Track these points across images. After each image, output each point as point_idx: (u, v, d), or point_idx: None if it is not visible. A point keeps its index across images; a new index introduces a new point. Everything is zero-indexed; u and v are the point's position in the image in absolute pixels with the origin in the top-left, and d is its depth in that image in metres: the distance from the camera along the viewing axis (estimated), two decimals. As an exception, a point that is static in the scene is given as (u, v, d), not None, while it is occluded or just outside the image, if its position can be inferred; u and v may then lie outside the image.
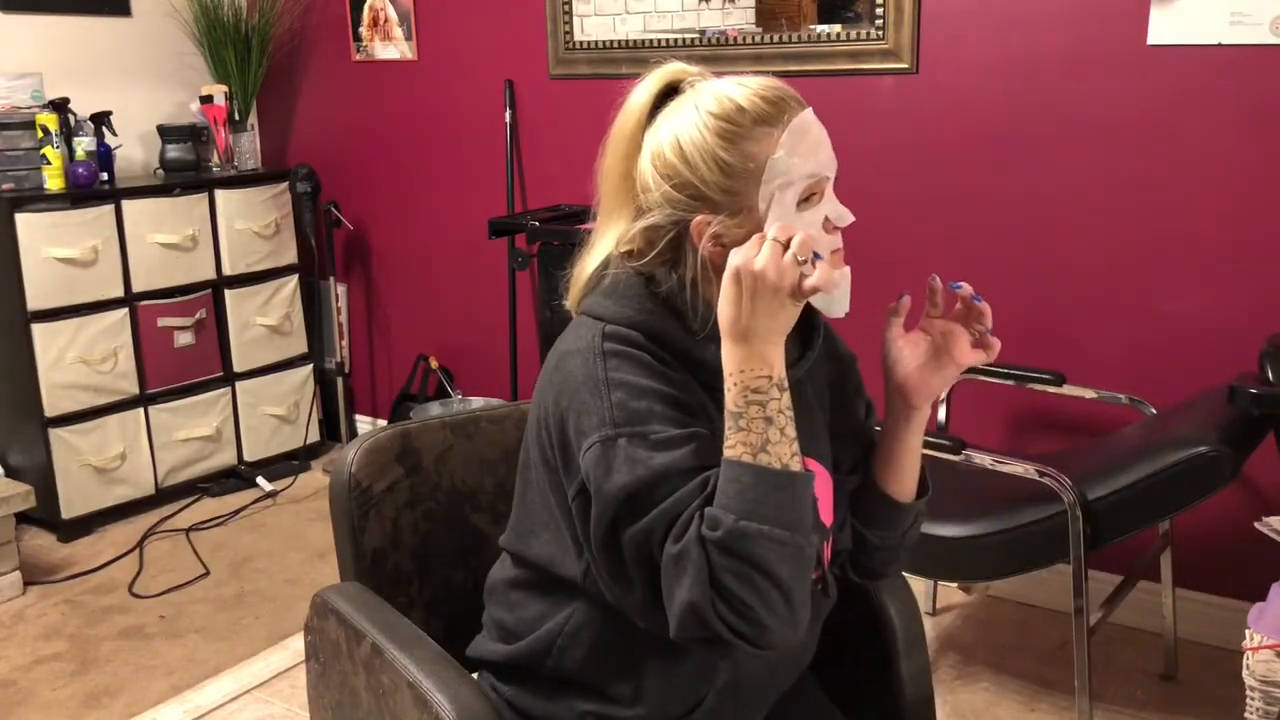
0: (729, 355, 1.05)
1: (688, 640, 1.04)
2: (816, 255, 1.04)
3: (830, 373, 1.31)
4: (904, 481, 1.26)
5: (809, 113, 1.13)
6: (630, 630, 1.14)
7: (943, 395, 1.26)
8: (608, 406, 1.06)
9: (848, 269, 1.11)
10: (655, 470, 1.04)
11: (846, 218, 1.13)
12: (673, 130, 1.12)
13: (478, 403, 3.60)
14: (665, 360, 1.11)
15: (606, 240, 1.18)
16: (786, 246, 1.03)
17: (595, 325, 1.13)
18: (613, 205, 1.18)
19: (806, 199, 1.10)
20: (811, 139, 1.11)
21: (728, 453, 1.03)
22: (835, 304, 1.14)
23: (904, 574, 1.48)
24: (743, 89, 1.12)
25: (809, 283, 1.03)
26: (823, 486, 1.21)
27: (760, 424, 1.03)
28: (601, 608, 1.17)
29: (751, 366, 1.04)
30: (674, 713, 1.19)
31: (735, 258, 1.04)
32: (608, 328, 1.12)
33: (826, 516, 1.22)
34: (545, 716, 1.24)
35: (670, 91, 1.16)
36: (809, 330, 1.24)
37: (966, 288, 1.18)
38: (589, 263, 1.20)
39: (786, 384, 1.05)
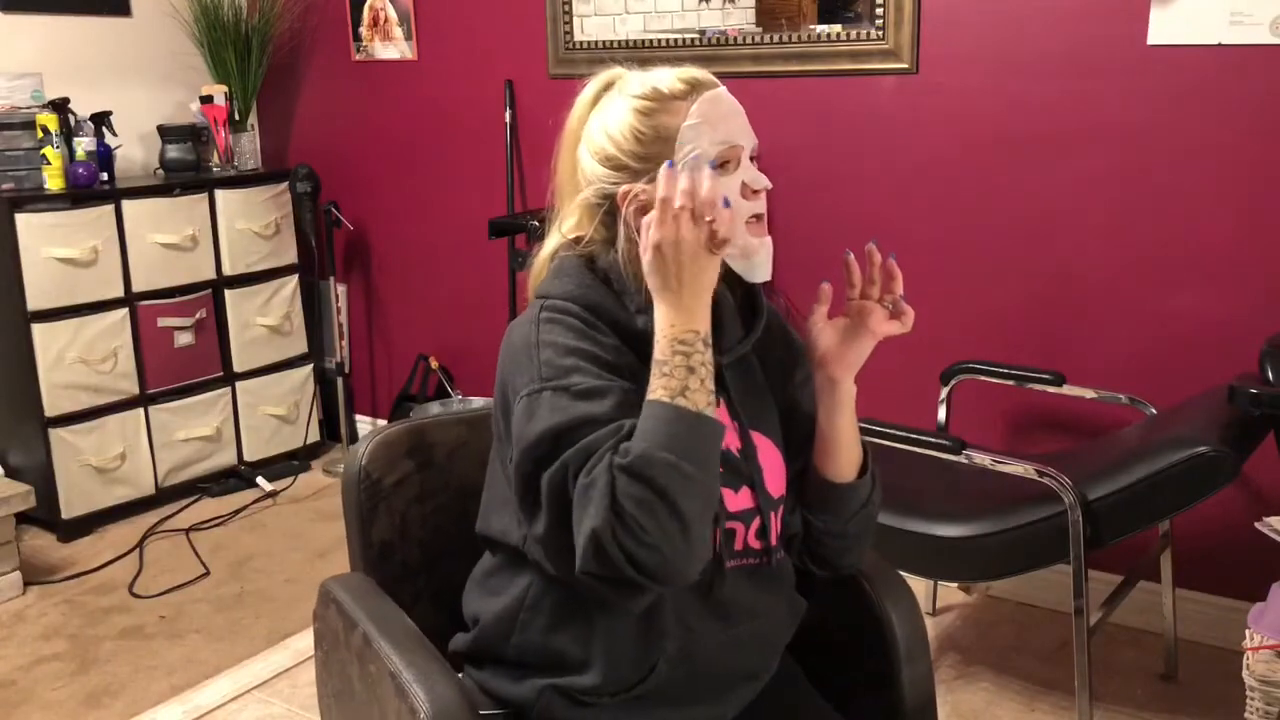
0: (660, 314, 1.13)
1: (594, 578, 1.08)
2: (727, 202, 1.13)
3: (785, 358, 1.36)
4: (839, 463, 1.30)
5: (722, 89, 1.23)
6: (580, 594, 1.18)
7: (863, 362, 1.29)
8: (537, 365, 1.15)
9: (768, 238, 1.22)
10: (574, 416, 1.10)
11: (762, 181, 1.21)
12: (602, 116, 1.24)
13: (478, 402, 3.60)
14: (600, 328, 1.19)
15: (552, 237, 1.30)
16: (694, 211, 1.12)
17: (539, 304, 1.23)
18: (564, 198, 1.29)
19: (722, 165, 1.19)
20: (722, 110, 1.21)
21: (649, 396, 1.11)
22: (755, 269, 1.22)
23: (904, 575, 1.48)
24: (664, 74, 1.23)
25: (720, 234, 1.11)
26: (769, 459, 1.28)
27: (682, 371, 1.10)
28: (552, 576, 1.21)
29: (681, 321, 1.12)
30: (627, 680, 1.22)
31: (653, 232, 1.12)
32: (548, 301, 1.21)
33: (775, 488, 1.28)
34: (511, 697, 1.28)
35: (609, 90, 1.27)
36: (753, 312, 1.31)
37: (876, 253, 1.24)
38: (543, 252, 1.30)
39: (711, 341, 1.13)
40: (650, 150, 1.19)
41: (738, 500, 1.23)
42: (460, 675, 1.34)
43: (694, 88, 1.21)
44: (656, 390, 1.10)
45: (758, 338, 1.30)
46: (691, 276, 1.12)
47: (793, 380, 1.35)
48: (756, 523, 1.24)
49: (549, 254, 1.29)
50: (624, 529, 1.04)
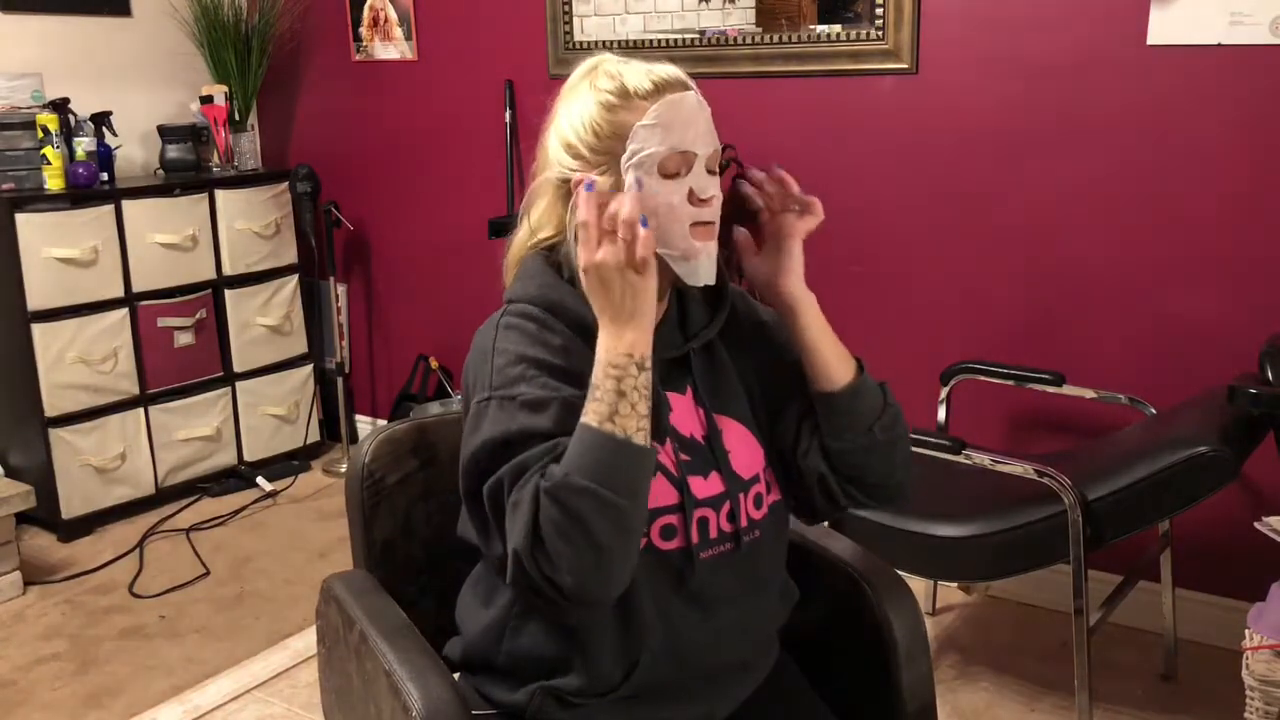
0: (600, 340, 1.15)
1: (520, 589, 1.12)
2: (645, 222, 1.12)
3: (753, 336, 1.36)
4: (829, 370, 1.28)
5: (690, 94, 1.22)
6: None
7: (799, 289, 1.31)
8: (488, 373, 1.18)
9: (711, 243, 1.22)
10: (513, 429, 1.13)
11: (708, 191, 1.20)
12: (571, 103, 1.26)
13: (478, 403, 3.60)
14: (556, 329, 1.21)
15: (529, 219, 1.29)
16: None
17: (504, 308, 1.25)
18: (536, 178, 1.30)
19: (675, 174, 1.19)
20: (682, 115, 1.19)
21: (581, 420, 1.12)
22: (695, 273, 1.22)
23: (904, 575, 1.48)
24: (638, 70, 1.23)
25: (639, 253, 1.12)
26: (737, 441, 1.29)
27: (612, 396, 1.11)
28: None
29: (615, 346, 1.13)
30: (613, 678, 1.23)
31: (579, 260, 1.15)
32: (510, 306, 1.24)
33: (743, 469, 1.28)
34: (505, 700, 1.29)
35: (592, 74, 1.27)
36: (718, 298, 1.32)
37: (756, 174, 1.28)
38: (513, 243, 1.32)
39: (648, 365, 1.14)
40: (605, 145, 1.20)
41: (707, 486, 1.24)
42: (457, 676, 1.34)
43: (660, 89, 1.20)
44: (588, 414, 1.11)
45: (723, 324, 1.31)
46: (623, 298, 1.13)
47: (770, 350, 1.35)
48: (727, 507, 1.25)
49: (519, 247, 1.30)
50: (541, 552, 1.07)
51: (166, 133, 3.63)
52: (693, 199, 1.19)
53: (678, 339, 1.29)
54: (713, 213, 1.21)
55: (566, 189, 1.23)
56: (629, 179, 1.18)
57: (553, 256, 1.27)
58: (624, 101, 1.20)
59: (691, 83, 1.24)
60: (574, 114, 1.24)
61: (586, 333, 1.20)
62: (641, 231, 1.12)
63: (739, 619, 1.28)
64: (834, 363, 1.28)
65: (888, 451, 1.30)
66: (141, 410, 3.45)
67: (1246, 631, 1.87)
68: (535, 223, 1.28)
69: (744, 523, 1.26)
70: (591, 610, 1.17)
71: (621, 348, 1.13)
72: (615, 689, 1.23)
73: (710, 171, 1.22)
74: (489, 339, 1.21)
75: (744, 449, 1.29)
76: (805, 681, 1.44)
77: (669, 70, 1.24)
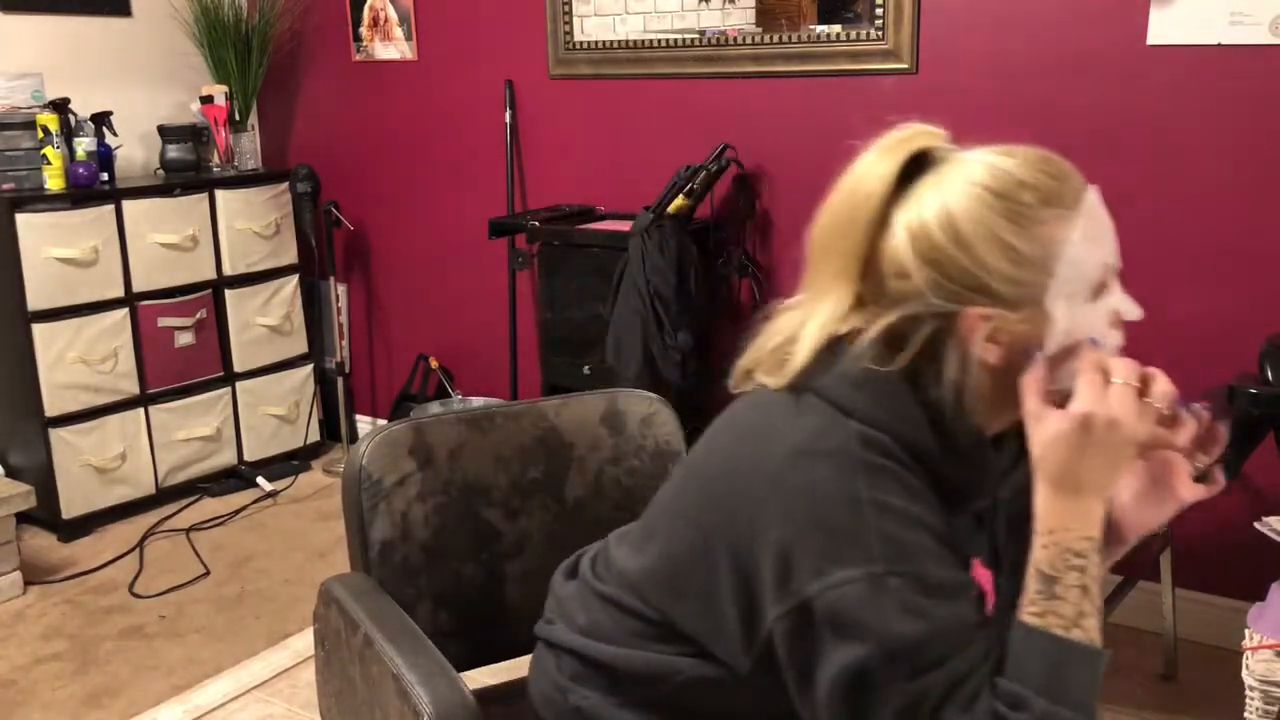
0: (1050, 507, 0.94)
1: None
2: (1184, 406, 0.95)
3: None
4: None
5: (1095, 191, 1.01)
6: (745, 703, 1.06)
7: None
8: (875, 537, 0.92)
9: None
10: (936, 624, 0.90)
11: (1135, 312, 1.00)
12: (941, 208, 0.97)
13: (478, 403, 3.60)
14: (917, 473, 0.98)
15: (821, 315, 1.02)
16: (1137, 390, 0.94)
17: (843, 423, 0.97)
18: (831, 279, 1.03)
19: (1099, 294, 0.99)
20: (1103, 223, 1.00)
21: (1034, 620, 0.92)
22: None
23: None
24: (1015, 160, 0.99)
25: (1178, 441, 0.95)
26: (984, 581, 1.10)
27: (1076, 594, 0.92)
28: (726, 675, 1.06)
29: (1076, 525, 0.93)
30: None
31: (1083, 403, 0.93)
32: (863, 430, 0.96)
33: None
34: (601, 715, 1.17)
35: (917, 161, 1.02)
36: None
37: (1204, 413, 1.03)
38: (804, 336, 1.03)
39: (1102, 545, 0.96)
40: (1025, 275, 0.95)
41: None
42: (551, 658, 1.26)
43: (1067, 187, 0.98)
44: (1046, 615, 0.92)
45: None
46: (1106, 468, 0.93)
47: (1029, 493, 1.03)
48: None
49: (818, 342, 1.02)
50: None
51: (166, 133, 3.63)
52: (1114, 321, 0.99)
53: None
54: (1121, 334, 1.01)
55: (941, 325, 0.97)
56: (1058, 311, 0.95)
57: (920, 393, 0.99)
58: (1034, 211, 0.96)
59: (1077, 170, 1.02)
60: (961, 228, 0.96)
61: (940, 487, 0.99)
62: (1188, 420, 0.95)
63: None
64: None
65: None
66: (141, 410, 3.45)
67: (1246, 631, 1.87)
68: (896, 362, 0.99)
69: None
70: None
71: (1083, 528, 0.93)
72: None
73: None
74: (854, 481, 0.93)
75: (987, 587, 1.10)
76: None
77: (1052, 159, 1.01)
